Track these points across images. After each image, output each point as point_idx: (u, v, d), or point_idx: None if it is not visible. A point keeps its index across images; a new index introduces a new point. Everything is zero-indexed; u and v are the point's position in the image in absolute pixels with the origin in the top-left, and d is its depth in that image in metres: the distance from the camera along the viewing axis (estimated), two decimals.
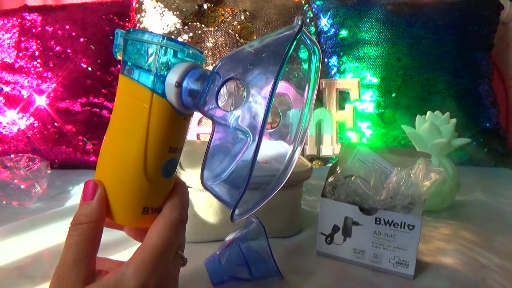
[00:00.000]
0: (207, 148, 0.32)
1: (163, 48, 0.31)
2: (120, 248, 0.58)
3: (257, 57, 0.31)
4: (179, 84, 0.31)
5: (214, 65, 0.31)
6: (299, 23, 0.29)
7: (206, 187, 0.33)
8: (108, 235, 0.54)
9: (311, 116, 0.36)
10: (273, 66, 0.28)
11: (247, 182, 0.29)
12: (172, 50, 0.31)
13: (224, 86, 0.31)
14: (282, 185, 0.35)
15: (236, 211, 0.31)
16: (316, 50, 0.34)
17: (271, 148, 0.37)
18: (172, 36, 1.17)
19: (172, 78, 0.31)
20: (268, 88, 0.27)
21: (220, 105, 0.31)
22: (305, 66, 0.35)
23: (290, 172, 0.35)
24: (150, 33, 0.31)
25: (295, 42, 0.28)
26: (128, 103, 0.32)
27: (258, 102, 0.30)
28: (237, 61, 0.32)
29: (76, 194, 0.87)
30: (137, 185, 0.33)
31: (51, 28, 1.10)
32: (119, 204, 0.33)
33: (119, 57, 0.33)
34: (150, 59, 0.31)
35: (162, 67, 0.31)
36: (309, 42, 0.33)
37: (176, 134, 0.33)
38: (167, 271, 0.34)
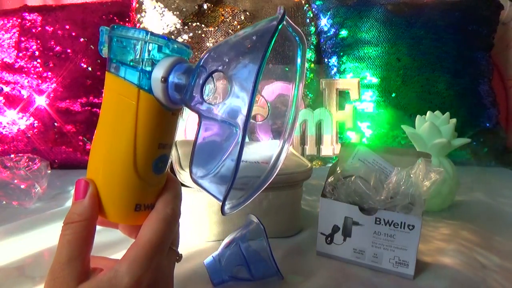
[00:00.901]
0: (194, 143, 0.32)
1: (148, 43, 0.31)
2: (118, 248, 0.58)
3: (241, 49, 0.30)
4: (165, 79, 0.30)
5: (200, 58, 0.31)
6: (282, 11, 0.29)
7: (196, 182, 0.33)
8: (106, 235, 0.54)
9: (297, 113, 0.36)
10: (257, 58, 0.27)
11: (234, 174, 0.28)
12: (156, 45, 0.31)
13: (211, 79, 0.30)
14: (271, 179, 0.34)
15: (227, 205, 0.31)
16: (299, 41, 0.34)
17: (272, 149, 0.37)
18: (172, 36, 1.17)
19: (157, 73, 0.30)
20: (251, 80, 0.27)
21: (208, 99, 0.30)
22: (298, 61, 0.35)
23: (280, 166, 0.35)
24: (135, 29, 0.31)
25: (276, 34, 0.28)
26: (116, 100, 0.32)
27: (242, 94, 0.29)
28: (222, 53, 0.31)
29: None
30: (128, 182, 0.33)
31: (51, 28, 1.10)
32: (111, 202, 0.33)
33: (105, 55, 0.33)
34: (135, 55, 0.31)
35: (148, 63, 0.31)
36: (293, 33, 0.33)
37: (165, 130, 0.33)
38: (161, 267, 0.34)
